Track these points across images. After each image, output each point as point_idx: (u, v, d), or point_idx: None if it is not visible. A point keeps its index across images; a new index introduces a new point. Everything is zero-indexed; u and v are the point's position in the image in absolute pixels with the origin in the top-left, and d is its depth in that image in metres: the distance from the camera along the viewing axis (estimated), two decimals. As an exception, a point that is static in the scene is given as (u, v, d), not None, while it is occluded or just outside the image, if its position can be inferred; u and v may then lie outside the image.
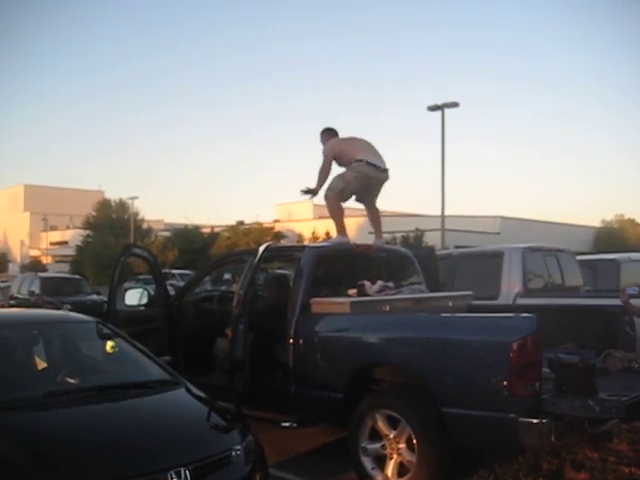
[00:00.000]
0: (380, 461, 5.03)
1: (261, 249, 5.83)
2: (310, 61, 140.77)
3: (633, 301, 5.67)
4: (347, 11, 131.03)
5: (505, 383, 4.32)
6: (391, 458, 4.94)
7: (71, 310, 10.16)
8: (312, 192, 6.93)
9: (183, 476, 3.44)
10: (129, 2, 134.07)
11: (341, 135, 7.16)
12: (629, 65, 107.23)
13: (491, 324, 4.83)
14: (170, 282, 20.61)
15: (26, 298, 19.92)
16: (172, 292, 8.15)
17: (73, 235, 68.20)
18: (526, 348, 4.33)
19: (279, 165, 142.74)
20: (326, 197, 6.78)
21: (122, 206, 62.11)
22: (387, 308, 5.84)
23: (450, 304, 6.50)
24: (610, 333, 5.73)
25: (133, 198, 57.80)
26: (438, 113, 25.95)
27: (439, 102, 25.86)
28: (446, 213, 27.16)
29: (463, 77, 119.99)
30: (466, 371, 4.58)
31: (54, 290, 19.84)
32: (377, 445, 5.04)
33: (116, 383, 4.47)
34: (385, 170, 6.85)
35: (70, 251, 61.69)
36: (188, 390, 4.48)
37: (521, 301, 8.12)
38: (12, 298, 20.91)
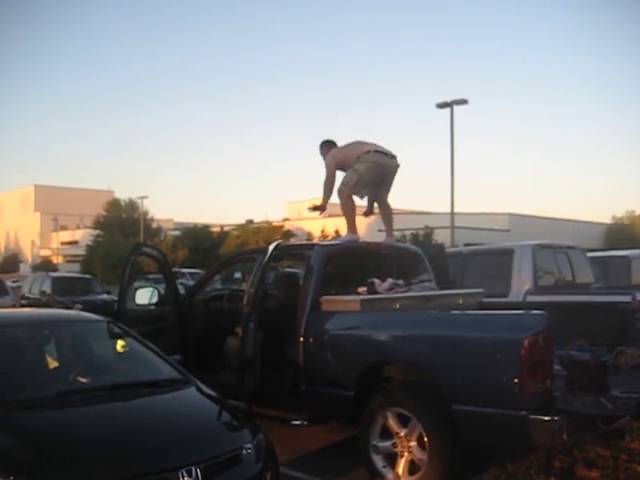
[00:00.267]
0: (391, 459, 5.01)
1: (271, 248, 5.83)
2: (322, 60, 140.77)
3: None
4: (348, 11, 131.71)
5: (516, 380, 4.30)
6: (402, 456, 4.92)
7: (82, 309, 10.23)
8: (320, 208, 6.99)
9: (194, 475, 3.45)
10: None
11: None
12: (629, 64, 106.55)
13: (502, 321, 4.81)
14: (180, 281, 20.63)
15: (37, 298, 19.99)
16: (182, 291, 8.16)
17: (83, 235, 68.61)
18: (537, 345, 4.31)
19: (288, 163, 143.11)
20: (339, 192, 6.74)
21: (132, 206, 62.43)
22: (397, 306, 5.83)
23: (460, 302, 6.47)
24: (621, 330, 5.70)
25: (143, 198, 58.04)
26: (447, 111, 25.92)
27: (448, 99, 25.83)
28: (456, 210, 27.11)
29: (471, 76, 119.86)
30: (477, 368, 4.56)
31: (65, 290, 19.90)
32: (388, 443, 5.03)
33: (127, 382, 4.48)
34: (394, 157, 6.85)
35: (80, 251, 62.08)
36: (199, 389, 4.48)
37: (531, 298, 8.08)
38: (23, 298, 20.98)
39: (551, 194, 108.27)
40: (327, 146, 7.09)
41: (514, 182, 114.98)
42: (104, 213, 63.12)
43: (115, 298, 10.89)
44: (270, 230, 47.85)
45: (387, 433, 5.05)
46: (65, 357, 4.82)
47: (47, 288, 20.21)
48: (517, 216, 48.78)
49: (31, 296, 20.70)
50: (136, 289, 7.35)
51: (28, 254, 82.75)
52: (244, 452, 3.82)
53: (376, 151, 6.70)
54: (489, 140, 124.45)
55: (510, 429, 4.43)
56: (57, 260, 69.67)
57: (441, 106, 25.94)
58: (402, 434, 4.92)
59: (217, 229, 56.00)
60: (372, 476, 5.07)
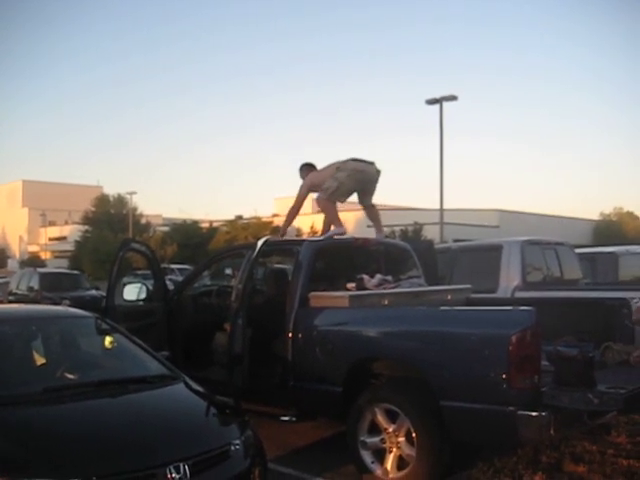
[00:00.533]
0: (379, 455, 5.03)
1: (260, 243, 5.81)
2: (310, 57, 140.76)
3: None
4: (347, 8, 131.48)
5: (504, 376, 4.32)
6: (390, 452, 4.94)
7: (70, 305, 10.16)
8: (280, 233, 7.28)
9: (182, 471, 3.44)
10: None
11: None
12: (626, 60, 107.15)
13: (490, 317, 4.83)
14: (169, 277, 20.58)
15: (25, 294, 19.92)
16: (171, 287, 8.13)
17: (72, 230, 68.23)
18: (525, 341, 4.33)
19: (277, 159, 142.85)
20: (318, 200, 6.85)
21: (120, 201, 62.14)
22: (386, 302, 5.84)
23: (449, 297, 6.50)
24: (609, 326, 5.73)
25: (131, 193, 57.71)
26: (436, 107, 25.93)
27: (437, 96, 25.84)
28: (445, 207, 27.14)
29: (461, 72, 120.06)
30: (465, 364, 4.57)
31: (53, 285, 19.83)
32: (376, 439, 5.04)
33: (115, 378, 4.47)
34: (372, 163, 6.95)
35: (69, 246, 61.71)
36: (187, 385, 4.47)
37: (520, 294, 8.12)
38: (11, 294, 20.90)
39: (540, 191, 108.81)
40: (306, 169, 7.25)
41: (503, 178, 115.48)
42: (92, 209, 62.78)
43: (103, 294, 10.86)
44: (259, 226, 47.71)
45: (375, 429, 5.06)
46: (53, 353, 4.80)
47: (35, 284, 20.15)
48: (506, 212, 48.99)
49: (19, 292, 20.63)
50: (124, 285, 7.32)
51: (16, 250, 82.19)
52: (232, 448, 3.82)
53: (354, 159, 6.85)
54: (478, 136, 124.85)
55: (498, 425, 4.45)
56: (45, 256, 69.26)
57: (430, 102, 25.95)
58: (390, 430, 4.94)
59: (206, 225, 55.85)
60: (361, 472, 5.08)
